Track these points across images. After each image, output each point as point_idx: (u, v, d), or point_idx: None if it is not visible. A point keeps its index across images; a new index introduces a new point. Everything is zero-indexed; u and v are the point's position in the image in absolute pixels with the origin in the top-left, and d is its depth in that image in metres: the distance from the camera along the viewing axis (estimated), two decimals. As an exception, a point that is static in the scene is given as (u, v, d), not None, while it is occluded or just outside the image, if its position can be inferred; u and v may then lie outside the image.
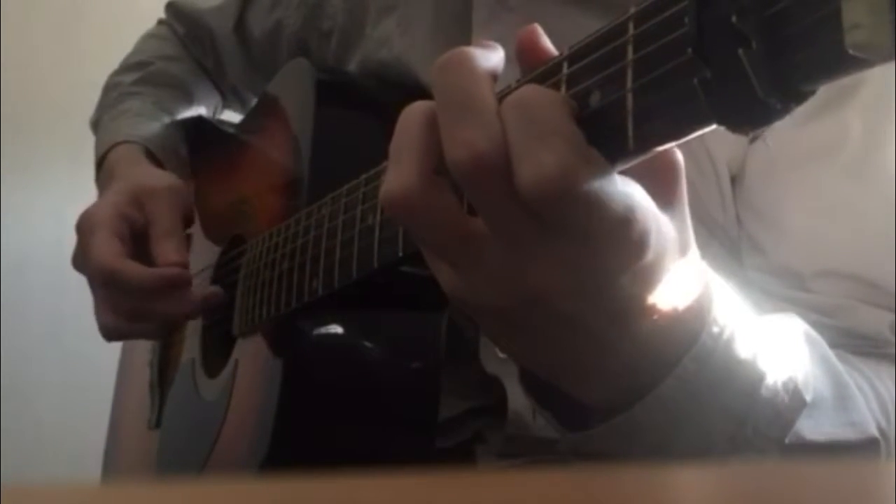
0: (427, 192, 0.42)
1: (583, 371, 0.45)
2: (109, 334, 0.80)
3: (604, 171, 0.39)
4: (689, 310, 0.44)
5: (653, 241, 0.41)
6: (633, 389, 0.44)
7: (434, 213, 0.42)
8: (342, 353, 0.68)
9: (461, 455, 0.73)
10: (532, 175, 0.38)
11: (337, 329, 0.68)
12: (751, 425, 0.46)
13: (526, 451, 0.71)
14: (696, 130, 0.36)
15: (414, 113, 0.44)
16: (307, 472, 0.21)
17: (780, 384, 0.47)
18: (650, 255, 0.41)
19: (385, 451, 0.68)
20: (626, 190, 0.40)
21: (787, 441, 0.48)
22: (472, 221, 0.42)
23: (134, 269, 0.76)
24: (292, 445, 0.67)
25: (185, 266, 0.77)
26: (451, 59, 0.42)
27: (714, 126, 0.35)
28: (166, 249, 0.77)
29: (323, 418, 0.68)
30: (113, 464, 1.03)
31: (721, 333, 0.44)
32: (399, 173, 0.43)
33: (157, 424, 0.91)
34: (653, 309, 0.42)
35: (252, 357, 0.75)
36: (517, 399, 0.70)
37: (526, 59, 0.44)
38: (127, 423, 1.01)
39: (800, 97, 0.33)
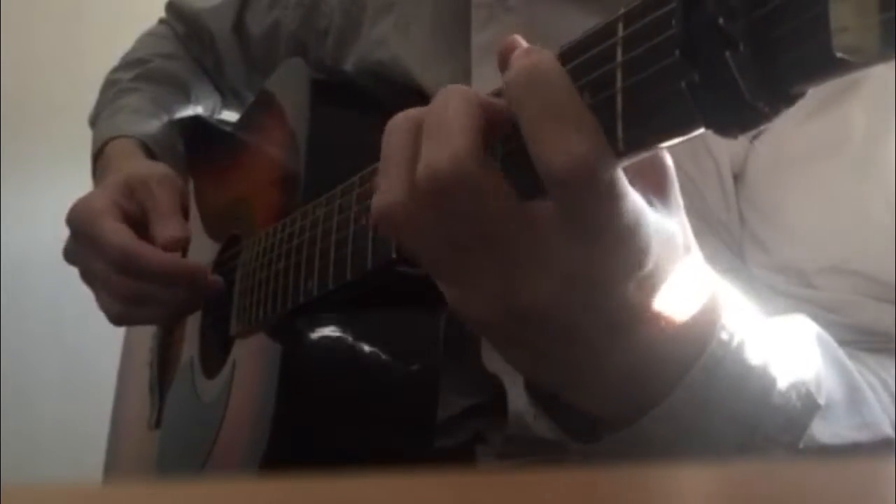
0: (412, 206, 0.41)
1: (582, 382, 0.44)
2: (118, 319, 0.81)
3: (619, 163, 0.38)
4: (695, 317, 0.43)
5: (655, 249, 0.40)
6: (640, 399, 0.44)
7: (420, 227, 0.42)
8: (339, 353, 0.68)
9: (461, 455, 0.73)
10: (563, 158, 0.37)
11: (334, 329, 0.68)
12: (762, 433, 0.45)
13: (526, 451, 0.71)
14: (685, 133, 0.35)
15: (398, 123, 0.44)
16: (306, 472, 0.21)
17: (792, 390, 0.46)
18: (650, 264, 0.40)
19: (383, 450, 0.68)
20: (634, 192, 0.39)
21: (801, 446, 0.47)
22: (459, 235, 0.41)
23: (154, 252, 0.76)
24: (290, 446, 0.67)
25: (187, 242, 0.78)
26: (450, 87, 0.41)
27: (702, 129, 0.34)
28: (168, 226, 0.77)
29: (321, 419, 0.68)
30: (114, 464, 1.03)
31: (731, 340, 0.44)
32: (386, 186, 0.43)
33: (157, 425, 0.91)
34: (654, 318, 0.42)
35: (250, 358, 0.75)
36: (517, 398, 0.70)
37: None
38: (128, 423, 1.01)
39: (788, 100, 0.33)
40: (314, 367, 0.68)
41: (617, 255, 0.40)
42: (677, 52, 0.33)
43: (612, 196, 0.38)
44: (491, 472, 0.69)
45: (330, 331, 0.68)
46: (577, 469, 0.48)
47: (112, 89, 1.01)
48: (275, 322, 0.69)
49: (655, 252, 0.40)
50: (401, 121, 0.43)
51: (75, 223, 0.80)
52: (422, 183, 0.40)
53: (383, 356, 0.68)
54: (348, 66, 0.84)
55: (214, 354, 0.82)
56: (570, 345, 0.42)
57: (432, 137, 0.41)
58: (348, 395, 0.68)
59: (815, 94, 0.33)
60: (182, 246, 0.78)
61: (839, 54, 0.29)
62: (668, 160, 0.43)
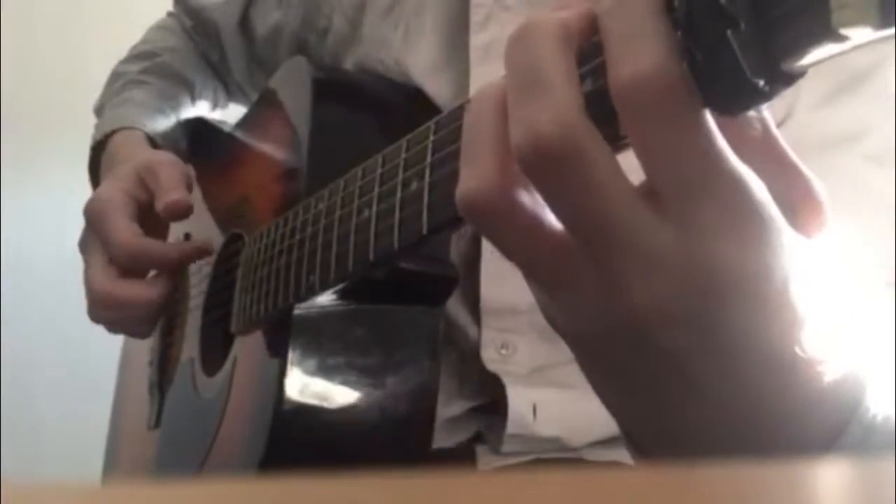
0: (509, 196, 0.35)
1: (677, 428, 0.36)
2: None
3: (691, 82, 0.32)
4: (841, 378, 0.35)
5: (784, 260, 0.33)
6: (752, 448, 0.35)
7: (517, 221, 0.35)
8: (340, 350, 0.68)
9: (461, 455, 0.73)
10: (629, 71, 0.32)
11: (335, 326, 0.68)
12: None
13: (526, 450, 0.71)
14: None
15: (481, 98, 0.37)
16: (306, 472, 0.21)
17: None
18: (778, 277, 0.33)
19: (382, 449, 0.69)
20: (742, 166, 0.33)
21: None
22: (563, 217, 0.35)
23: (157, 245, 0.78)
24: (290, 445, 0.67)
25: (188, 208, 0.78)
26: (520, 32, 0.35)
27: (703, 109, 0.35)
28: (169, 194, 0.77)
29: (320, 417, 0.68)
30: (113, 465, 1.03)
31: (875, 416, 0.36)
32: (473, 173, 0.36)
33: (157, 425, 0.91)
34: (771, 360, 0.34)
35: (250, 355, 0.75)
36: (517, 398, 0.70)
37: None
38: (127, 423, 1.01)
39: (788, 78, 0.33)
40: (313, 365, 0.68)
41: (724, 251, 0.33)
42: (679, 34, 0.33)
43: (688, 126, 0.32)
44: (491, 472, 0.70)
45: (330, 328, 0.68)
46: (579, 469, 0.48)
47: (119, 81, 1.02)
48: (275, 318, 0.69)
49: (783, 267, 0.33)
50: (484, 96, 0.37)
51: (88, 216, 0.81)
52: (521, 155, 0.34)
53: (383, 353, 0.69)
54: (347, 66, 0.84)
55: (215, 352, 0.82)
56: (671, 375, 0.35)
57: (528, 98, 0.34)
58: (347, 394, 0.68)
59: (826, 83, 0.33)
60: (183, 210, 0.78)
61: (839, 30, 0.29)
62: (820, 189, 0.37)
